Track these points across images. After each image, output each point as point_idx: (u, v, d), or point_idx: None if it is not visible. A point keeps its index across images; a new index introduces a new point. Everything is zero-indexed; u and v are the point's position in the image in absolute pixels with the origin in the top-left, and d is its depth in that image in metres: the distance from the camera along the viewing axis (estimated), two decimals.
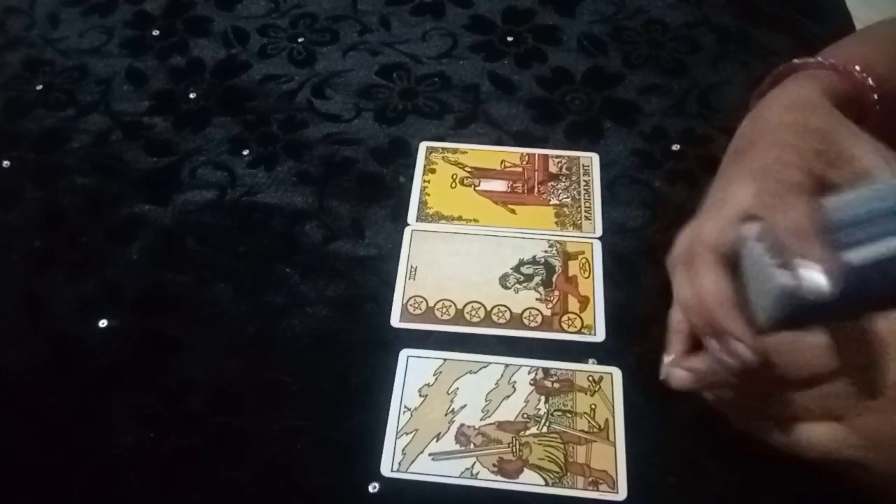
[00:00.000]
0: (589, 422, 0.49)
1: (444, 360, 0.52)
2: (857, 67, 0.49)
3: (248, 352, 0.52)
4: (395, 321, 0.53)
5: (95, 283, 0.55)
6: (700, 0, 0.74)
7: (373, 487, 0.47)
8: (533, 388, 0.51)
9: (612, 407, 0.50)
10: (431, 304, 0.54)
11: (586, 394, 0.50)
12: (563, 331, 0.53)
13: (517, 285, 0.55)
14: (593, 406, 0.50)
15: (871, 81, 0.50)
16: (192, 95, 0.67)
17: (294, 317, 0.54)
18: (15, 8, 0.74)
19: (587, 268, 0.56)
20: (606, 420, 0.49)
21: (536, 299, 0.55)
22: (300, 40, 0.71)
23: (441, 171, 0.62)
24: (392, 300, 0.54)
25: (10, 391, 0.51)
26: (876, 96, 0.50)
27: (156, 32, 0.72)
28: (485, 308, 0.54)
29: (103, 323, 0.53)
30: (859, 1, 0.78)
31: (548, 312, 0.54)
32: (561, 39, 0.71)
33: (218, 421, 0.49)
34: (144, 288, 0.55)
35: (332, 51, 0.71)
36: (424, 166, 0.62)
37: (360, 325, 0.53)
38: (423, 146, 0.63)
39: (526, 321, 0.54)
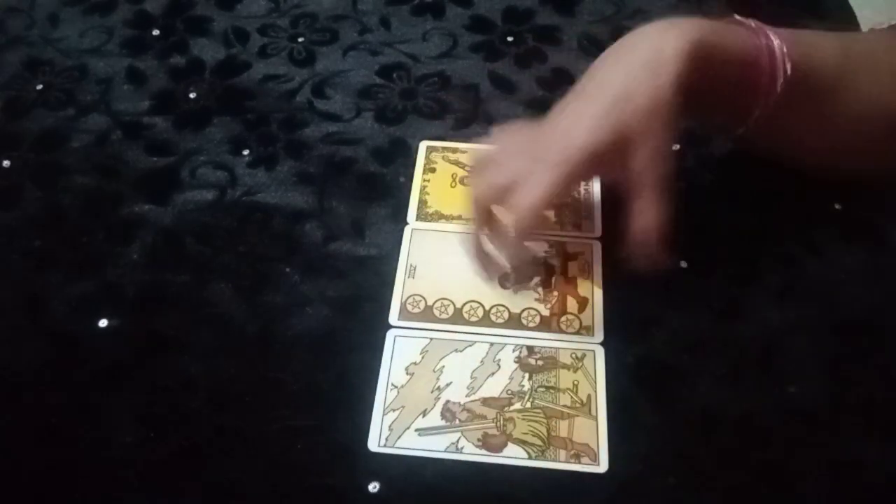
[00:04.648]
0: (571, 397, 0.50)
1: (431, 339, 0.53)
2: (778, 40, 0.52)
3: (248, 352, 0.52)
4: (394, 319, 0.53)
5: (95, 283, 0.55)
6: (700, 0, 0.74)
7: (373, 487, 0.47)
8: (517, 365, 0.51)
9: (595, 383, 0.51)
10: (430, 302, 0.54)
11: (569, 370, 0.51)
12: (562, 331, 0.53)
13: (516, 285, 0.55)
14: (576, 382, 0.51)
15: (785, 49, 0.51)
16: (192, 95, 0.67)
17: (294, 317, 0.54)
18: (15, 8, 0.74)
19: (587, 268, 0.56)
20: (589, 395, 0.50)
21: (535, 300, 0.55)
22: (300, 40, 0.71)
23: (441, 171, 0.62)
24: (391, 300, 0.54)
25: (10, 391, 0.51)
26: (788, 68, 0.51)
27: (156, 32, 0.72)
28: (483, 308, 0.54)
29: (103, 323, 0.53)
30: (861, 1, 0.78)
31: (546, 313, 0.54)
32: (561, 39, 0.71)
33: (218, 421, 0.49)
34: (144, 288, 0.55)
35: (332, 51, 0.71)
36: (424, 166, 0.62)
37: (360, 324, 0.54)
38: (423, 145, 0.64)
39: (524, 321, 0.54)
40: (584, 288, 0.55)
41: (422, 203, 0.60)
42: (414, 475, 0.47)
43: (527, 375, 0.51)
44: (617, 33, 0.71)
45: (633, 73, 0.49)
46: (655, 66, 0.49)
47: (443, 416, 0.49)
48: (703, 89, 0.50)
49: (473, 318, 0.54)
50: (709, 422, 0.49)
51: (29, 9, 0.74)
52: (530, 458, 0.48)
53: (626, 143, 0.49)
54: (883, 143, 0.57)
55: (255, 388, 0.51)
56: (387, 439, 0.48)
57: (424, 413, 0.50)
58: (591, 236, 0.58)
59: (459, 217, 0.59)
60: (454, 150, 0.63)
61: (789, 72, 0.52)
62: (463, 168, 0.62)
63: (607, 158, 0.49)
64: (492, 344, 0.52)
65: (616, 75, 0.50)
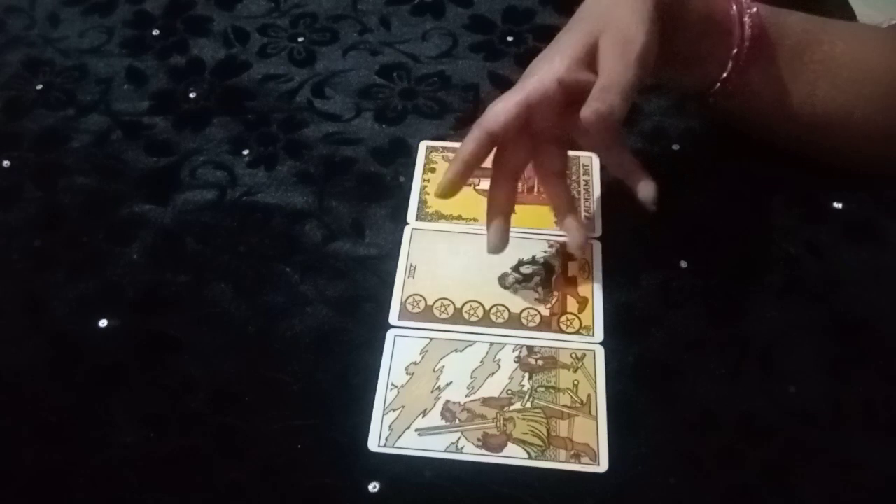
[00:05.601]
0: (571, 397, 0.50)
1: (431, 339, 0.53)
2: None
3: (248, 352, 0.52)
4: (394, 319, 0.53)
5: (95, 283, 0.55)
6: None
7: (373, 487, 0.47)
8: (517, 365, 0.51)
9: (595, 382, 0.51)
10: (430, 302, 0.54)
11: (569, 370, 0.51)
12: (562, 331, 0.53)
13: (516, 285, 0.55)
14: (576, 382, 0.51)
15: (754, 7, 0.55)
16: (192, 95, 0.67)
17: (294, 317, 0.54)
18: (15, 7, 0.74)
19: (587, 268, 0.56)
20: (588, 395, 0.50)
21: (535, 299, 0.55)
22: (300, 40, 0.72)
23: (441, 171, 0.62)
24: (391, 299, 0.54)
25: (10, 391, 0.51)
26: (748, 25, 0.54)
27: (156, 32, 0.72)
28: (483, 307, 0.54)
29: (103, 323, 0.53)
30: (861, 1, 0.78)
31: (546, 313, 0.54)
32: None
33: (218, 421, 0.49)
34: (144, 288, 0.55)
35: (332, 50, 0.71)
36: (424, 165, 0.62)
37: (360, 324, 0.54)
38: (423, 145, 0.64)
39: (524, 321, 0.54)
40: (584, 288, 0.55)
41: (422, 203, 0.60)
42: (414, 475, 0.47)
43: (527, 375, 0.51)
44: None
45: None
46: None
47: (443, 416, 0.49)
48: (673, 36, 0.52)
49: (473, 318, 0.54)
50: (709, 422, 0.49)
51: (29, 9, 0.74)
52: (530, 458, 0.48)
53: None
54: (860, 117, 0.57)
55: (255, 388, 0.51)
56: (387, 439, 0.48)
57: (424, 413, 0.50)
58: (591, 236, 0.58)
59: (459, 217, 0.59)
60: (454, 150, 0.63)
61: (753, 18, 0.54)
62: None
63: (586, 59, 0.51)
64: (492, 344, 0.52)
65: (594, 4, 0.54)
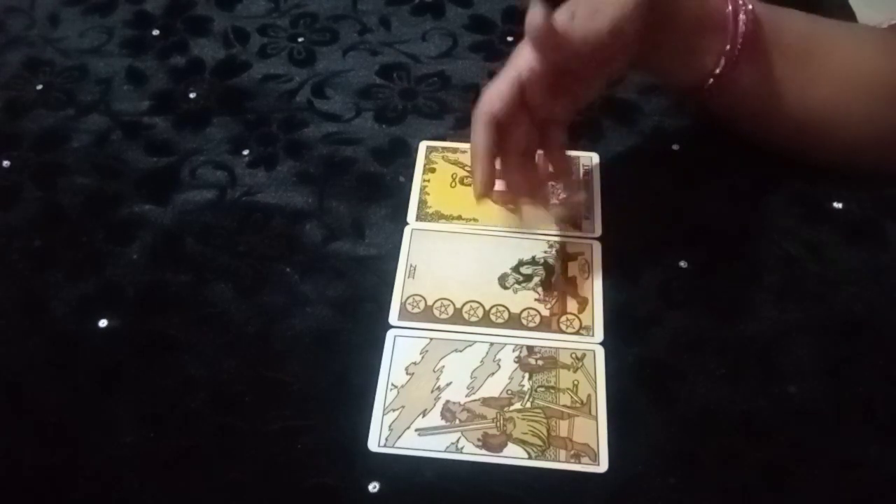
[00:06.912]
0: (571, 397, 0.50)
1: (431, 339, 0.53)
2: None
3: (248, 352, 0.52)
4: (394, 319, 0.53)
5: (95, 283, 0.55)
6: None
7: (373, 487, 0.47)
8: (517, 365, 0.51)
9: (595, 382, 0.51)
10: (430, 302, 0.54)
11: (569, 370, 0.51)
12: (562, 331, 0.53)
13: (516, 285, 0.55)
14: (576, 382, 0.51)
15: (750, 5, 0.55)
16: (192, 95, 0.67)
17: (294, 317, 0.54)
18: (15, 8, 0.74)
19: (587, 269, 0.56)
20: (588, 395, 0.50)
21: (535, 300, 0.55)
22: (300, 40, 0.72)
23: (441, 171, 0.62)
24: (391, 299, 0.54)
25: (10, 391, 0.51)
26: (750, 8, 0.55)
27: (156, 32, 0.72)
28: (483, 308, 0.54)
29: (103, 323, 0.53)
30: (861, 1, 0.78)
31: (546, 313, 0.54)
32: None
33: (218, 421, 0.49)
34: (144, 288, 0.55)
35: (332, 51, 0.71)
36: (424, 166, 0.62)
37: (360, 325, 0.54)
38: (423, 145, 0.64)
39: (524, 321, 0.54)
40: (584, 288, 0.55)
41: (422, 203, 0.60)
42: (414, 475, 0.47)
43: (527, 375, 0.51)
44: None
45: None
46: None
47: (443, 416, 0.49)
48: (665, 27, 0.52)
49: (473, 318, 0.54)
50: (709, 422, 0.49)
51: (29, 9, 0.74)
52: (530, 458, 0.48)
53: None
54: (859, 117, 0.58)
55: (255, 388, 0.51)
56: (387, 439, 0.48)
57: (424, 413, 0.50)
58: (591, 236, 0.58)
59: (459, 217, 0.59)
60: (454, 150, 0.63)
61: (748, 15, 0.54)
62: (463, 168, 0.62)
63: None
64: (492, 344, 0.52)
65: None
